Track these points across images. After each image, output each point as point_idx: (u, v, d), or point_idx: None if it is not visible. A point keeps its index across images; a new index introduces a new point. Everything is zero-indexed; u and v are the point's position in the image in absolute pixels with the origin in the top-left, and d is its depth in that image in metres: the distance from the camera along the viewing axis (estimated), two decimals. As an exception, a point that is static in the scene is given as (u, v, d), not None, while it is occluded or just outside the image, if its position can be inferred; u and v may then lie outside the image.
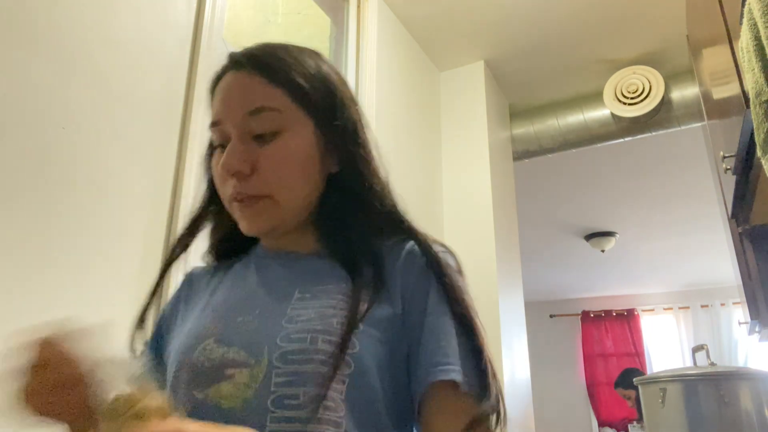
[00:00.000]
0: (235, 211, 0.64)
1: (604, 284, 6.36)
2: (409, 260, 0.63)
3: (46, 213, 1.05)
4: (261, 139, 0.63)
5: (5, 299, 0.96)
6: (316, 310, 0.58)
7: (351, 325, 0.56)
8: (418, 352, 0.59)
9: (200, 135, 1.38)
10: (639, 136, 2.85)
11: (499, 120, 2.88)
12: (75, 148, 1.12)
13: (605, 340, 6.54)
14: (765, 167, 1.06)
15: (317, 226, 0.68)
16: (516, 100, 3.05)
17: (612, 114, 2.77)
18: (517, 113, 3.08)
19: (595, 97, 2.85)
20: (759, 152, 1.07)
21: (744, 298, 1.96)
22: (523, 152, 3.08)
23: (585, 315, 6.73)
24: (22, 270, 0.99)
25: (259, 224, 0.64)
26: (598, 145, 2.95)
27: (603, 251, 4.98)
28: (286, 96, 0.64)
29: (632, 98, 2.67)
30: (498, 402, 0.57)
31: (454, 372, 0.56)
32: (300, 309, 0.59)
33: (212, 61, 1.47)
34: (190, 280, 0.74)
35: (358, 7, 2.25)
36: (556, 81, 2.89)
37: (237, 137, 0.62)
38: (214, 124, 0.65)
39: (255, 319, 0.60)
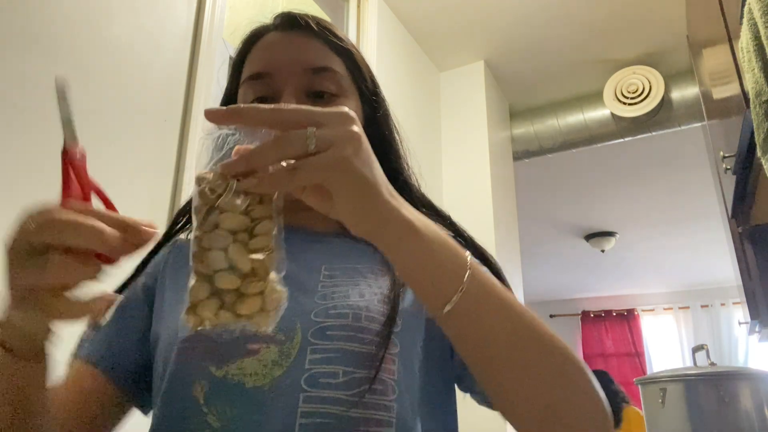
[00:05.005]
0: None
1: (604, 284, 6.35)
2: None
3: (46, 213, 1.05)
4: (318, 97, 0.61)
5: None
6: (351, 287, 0.56)
7: (396, 302, 0.54)
8: None
9: (200, 135, 1.38)
10: (639, 136, 2.85)
11: (499, 120, 2.88)
12: (75, 148, 1.12)
13: (605, 340, 6.54)
14: (765, 167, 1.06)
15: None
16: (516, 100, 3.05)
17: (612, 114, 2.77)
18: (517, 113, 3.08)
19: (595, 97, 2.85)
20: (759, 152, 1.07)
21: (744, 298, 1.96)
22: (523, 152, 3.08)
23: (585, 315, 6.73)
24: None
25: None
26: (598, 145, 2.95)
27: (603, 251, 4.98)
28: (342, 65, 0.64)
29: (632, 98, 2.67)
30: None
31: None
32: (332, 286, 0.56)
33: (212, 61, 1.47)
34: (180, 248, 0.68)
35: (358, 6, 2.25)
36: (556, 81, 2.89)
37: (291, 92, 0.60)
38: (258, 77, 0.62)
39: None
